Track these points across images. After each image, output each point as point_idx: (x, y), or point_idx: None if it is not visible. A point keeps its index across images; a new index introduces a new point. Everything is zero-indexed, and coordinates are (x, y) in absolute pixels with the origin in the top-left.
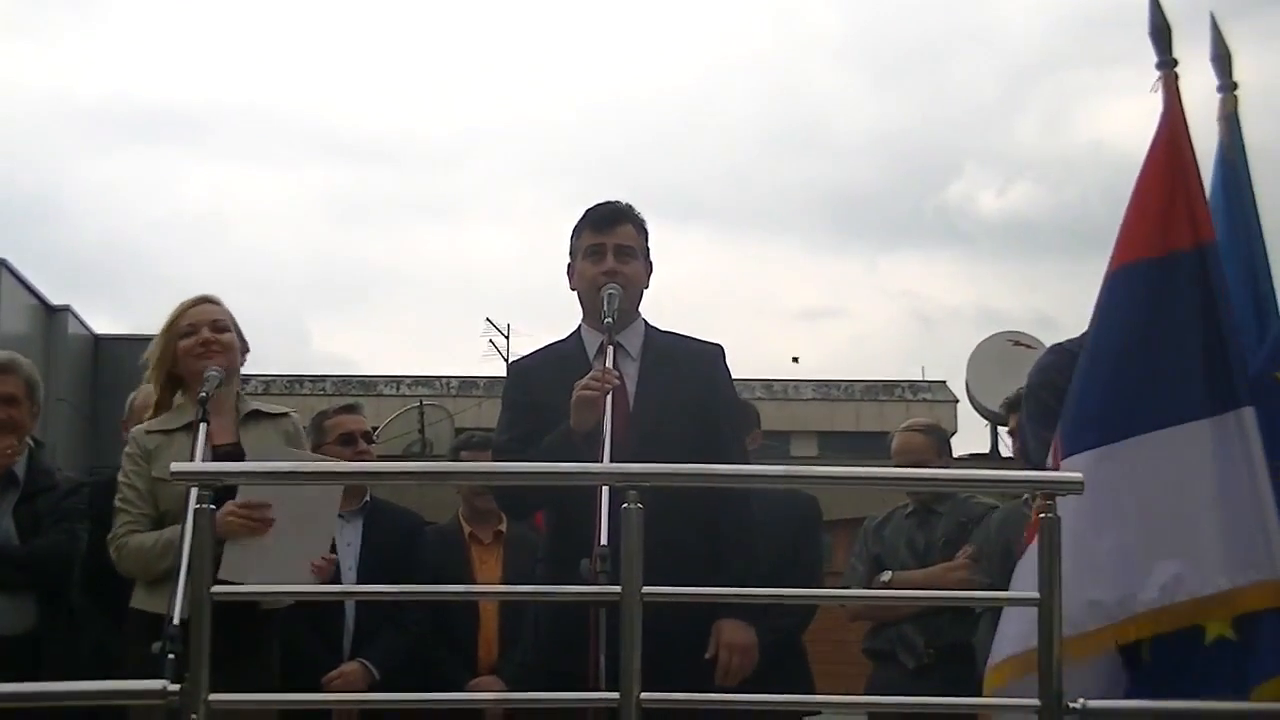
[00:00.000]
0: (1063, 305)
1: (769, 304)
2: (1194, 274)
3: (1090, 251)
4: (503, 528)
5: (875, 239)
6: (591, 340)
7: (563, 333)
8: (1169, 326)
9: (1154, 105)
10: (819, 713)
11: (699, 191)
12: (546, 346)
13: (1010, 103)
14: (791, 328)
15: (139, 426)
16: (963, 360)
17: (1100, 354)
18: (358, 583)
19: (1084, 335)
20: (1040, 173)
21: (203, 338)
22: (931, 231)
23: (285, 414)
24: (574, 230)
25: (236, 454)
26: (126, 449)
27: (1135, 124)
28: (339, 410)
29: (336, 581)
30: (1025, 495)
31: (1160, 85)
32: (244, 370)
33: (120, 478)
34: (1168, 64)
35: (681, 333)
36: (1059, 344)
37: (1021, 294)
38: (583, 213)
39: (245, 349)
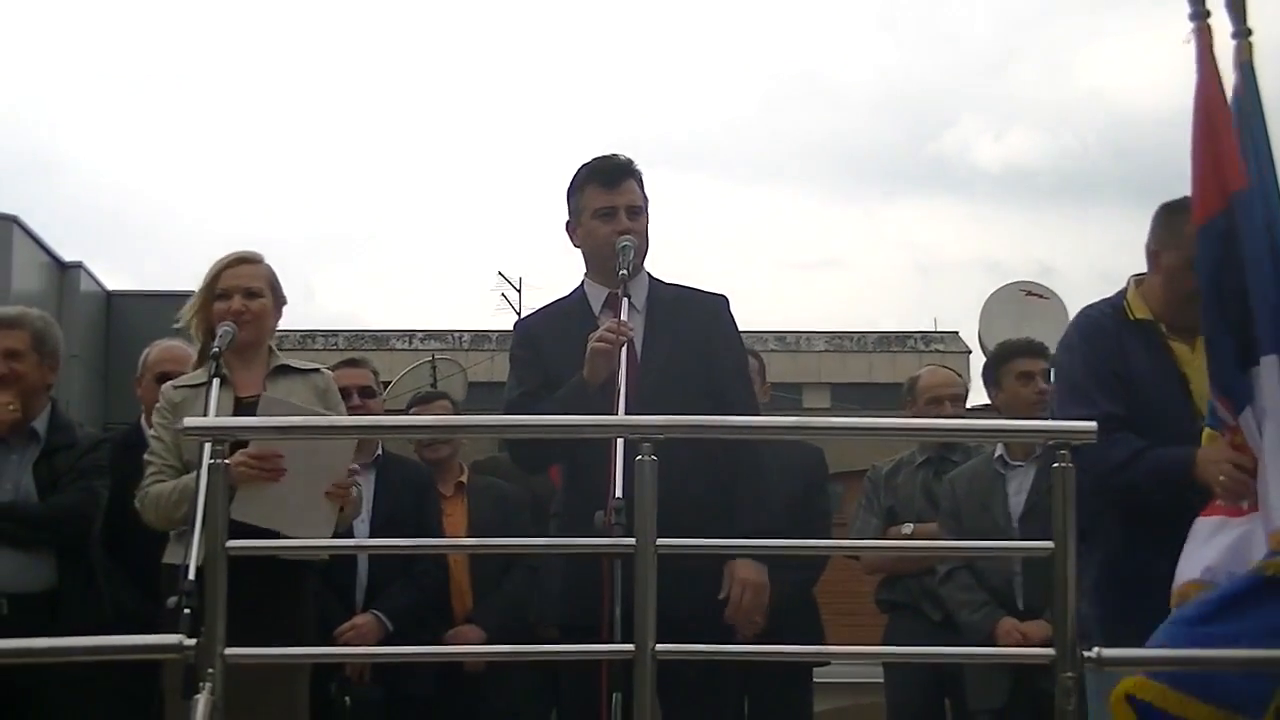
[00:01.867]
0: (1063, 254)
1: (766, 255)
2: (1241, 217)
3: (1091, 200)
4: (463, 479)
5: (874, 188)
6: (596, 295)
7: (576, 285)
8: (1235, 271)
9: (1151, 51)
10: (828, 663)
11: (697, 141)
12: (551, 303)
13: (1007, 49)
14: (789, 279)
15: (169, 383)
16: (961, 309)
17: (1212, 319)
18: (370, 536)
19: (1116, 295)
20: (1037, 119)
21: (234, 307)
22: (930, 180)
23: (317, 370)
24: (574, 187)
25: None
26: (157, 404)
27: (1132, 69)
28: (339, 365)
29: (350, 534)
30: (996, 449)
31: (1194, 37)
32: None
33: (150, 432)
34: (1200, 15)
35: (686, 284)
36: (1090, 308)
37: (1021, 243)
38: (581, 169)
39: (282, 303)
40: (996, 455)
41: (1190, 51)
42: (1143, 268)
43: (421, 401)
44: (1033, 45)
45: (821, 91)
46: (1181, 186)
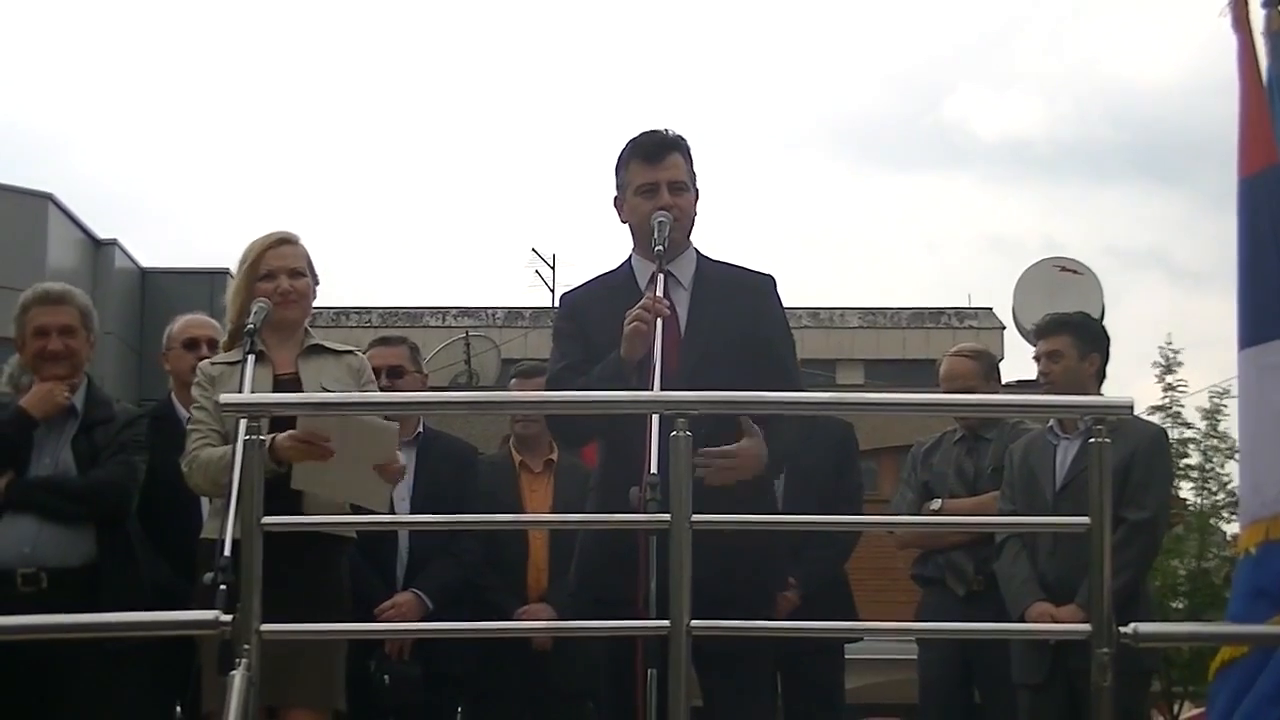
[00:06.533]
0: (1071, 227)
1: (773, 229)
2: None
3: (1094, 172)
4: (553, 456)
5: (877, 162)
6: (642, 270)
7: (609, 262)
8: (1260, 243)
9: (1159, 22)
10: (860, 639)
11: (692, 113)
12: (597, 277)
13: (1007, 18)
14: (793, 255)
15: (205, 361)
16: (972, 284)
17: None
18: (411, 512)
19: None
20: (1036, 87)
21: (282, 287)
22: (932, 153)
23: (350, 352)
24: (620, 162)
25: (294, 385)
26: (195, 379)
27: (1137, 40)
28: (373, 343)
29: (391, 511)
30: (1049, 422)
31: (1229, 10)
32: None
33: (193, 405)
34: None
35: (733, 262)
36: None
37: (1026, 216)
38: (628, 144)
39: (316, 283)
40: (1049, 426)
41: (1209, 23)
42: (1150, 241)
43: (524, 375)
44: (1035, 14)
45: (823, 65)
46: (1185, 159)
